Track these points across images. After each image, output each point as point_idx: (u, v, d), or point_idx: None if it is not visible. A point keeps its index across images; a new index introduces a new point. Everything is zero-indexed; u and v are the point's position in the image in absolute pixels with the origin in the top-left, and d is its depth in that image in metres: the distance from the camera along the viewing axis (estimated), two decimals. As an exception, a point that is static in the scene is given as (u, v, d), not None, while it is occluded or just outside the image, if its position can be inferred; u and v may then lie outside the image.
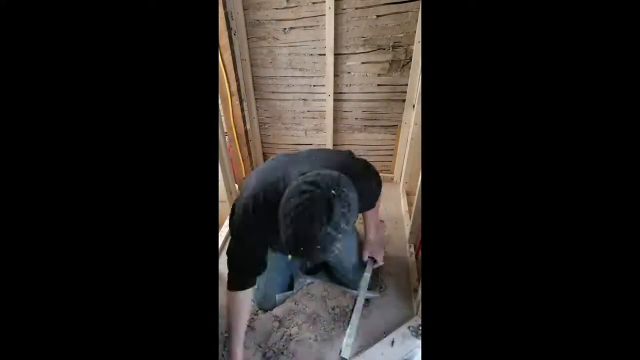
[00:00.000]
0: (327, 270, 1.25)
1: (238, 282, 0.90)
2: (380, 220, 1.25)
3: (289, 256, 0.85)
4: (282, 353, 1.02)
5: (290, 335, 1.07)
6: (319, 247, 0.65)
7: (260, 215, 0.82)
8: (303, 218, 0.64)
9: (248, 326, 1.08)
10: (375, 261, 1.16)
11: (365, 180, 0.91)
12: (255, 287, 0.96)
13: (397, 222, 1.52)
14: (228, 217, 0.97)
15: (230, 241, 0.91)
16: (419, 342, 1.01)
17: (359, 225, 1.19)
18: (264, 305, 1.16)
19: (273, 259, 1.00)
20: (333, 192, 0.66)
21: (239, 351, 0.91)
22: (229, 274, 0.91)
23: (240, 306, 0.91)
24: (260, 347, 1.04)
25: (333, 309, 1.15)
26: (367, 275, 1.12)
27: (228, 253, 0.90)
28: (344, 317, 1.12)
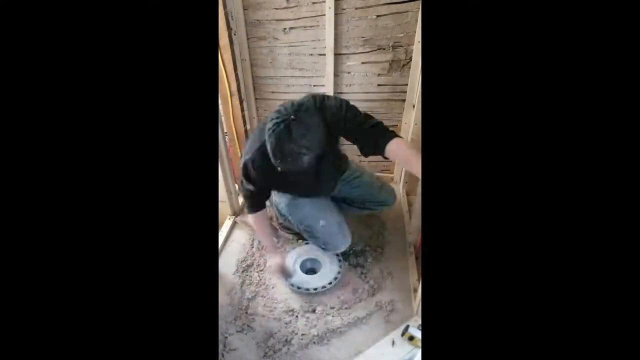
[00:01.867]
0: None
1: (254, 207, 1.21)
2: None
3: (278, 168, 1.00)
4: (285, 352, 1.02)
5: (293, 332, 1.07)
6: (289, 159, 0.88)
7: (258, 160, 1.05)
8: (273, 138, 0.88)
9: (248, 326, 1.10)
10: None
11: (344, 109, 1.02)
12: (320, 232, 1.24)
13: (397, 222, 1.52)
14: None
15: (244, 183, 1.16)
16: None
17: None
18: (338, 245, 1.26)
19: (320, 203, 1.28)
20: (292, 117, 0.87)
21: (272, 248, 1.30)
22: (246, 204, 1.23)
23: (262, 220, 1.25)
24: (260, 346, 1.04)
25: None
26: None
27: (243, 193, 1.20)
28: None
